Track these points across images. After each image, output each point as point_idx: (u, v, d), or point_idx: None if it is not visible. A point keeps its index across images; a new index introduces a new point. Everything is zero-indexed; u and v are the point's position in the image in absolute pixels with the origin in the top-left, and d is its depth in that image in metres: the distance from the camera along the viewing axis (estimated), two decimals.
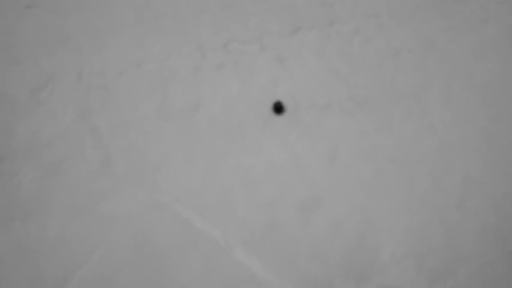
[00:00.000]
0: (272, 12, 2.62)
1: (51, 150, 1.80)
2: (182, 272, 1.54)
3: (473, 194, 1.77)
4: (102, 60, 2.20)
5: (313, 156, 1.86)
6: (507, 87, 2.26)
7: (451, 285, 1.56)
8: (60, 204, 1.65)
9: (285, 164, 1.83)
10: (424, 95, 2.18)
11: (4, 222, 1.61)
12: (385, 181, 1.79)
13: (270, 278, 1.54)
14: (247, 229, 1.64)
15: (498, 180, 1.83)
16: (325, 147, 1.89)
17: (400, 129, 1.99)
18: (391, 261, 1.61)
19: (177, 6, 2.58)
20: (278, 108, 2.03)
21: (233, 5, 2.64)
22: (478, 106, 2.14)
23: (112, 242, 1.59)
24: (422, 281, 1.57)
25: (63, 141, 1.83)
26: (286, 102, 2.07)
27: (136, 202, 1.67)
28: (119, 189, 1.69)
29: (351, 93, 2.17)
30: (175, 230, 1.62)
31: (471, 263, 1.60)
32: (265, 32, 2.47)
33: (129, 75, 2.14)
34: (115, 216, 1.64)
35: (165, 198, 1.67)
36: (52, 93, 2.02)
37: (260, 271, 1.55)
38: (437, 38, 2.53)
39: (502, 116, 2.10)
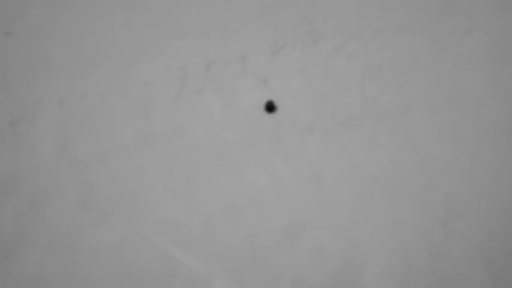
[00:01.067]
0: (255, 31, 2.61)
1: (31, 184, 1.78)
2: None
3: (458, 214, 1.76)
4: (83, 87, 2.19)
5: (297, 180, 1.85)
6: (492, 101, 2.25)
7: None
8: (40, 240, 1.63)
9: (268, 189, 1.81)
10: (408, 113, 2.17)
11: None
12: (368, 203, 1.78)
13: None
14: (230, 259, 1.62)
15: (483, 199, 1.81)
16: (308, 171, 1.88)
17: (383, 149, 1.98)
18: (374, 285, 1.59)
19: (159, 29, 2.58)
20: (270, 108, 2.10)
21: (216, 25, 2.63)
22: (463, 122, 2.13)
23: (92, 276, 1.57)
24: None
25: (43, 174, 1.81)
26: (269, 125, 2.06)
27: (117, 235, 1.65)
28: (99, 222, 1.67)
29: (334, 112, 2.16)
30: (157, 263, 1.60)
31: (457, 286, 1.58)
32: (248, 52, 2.46)
33: (110, 101, 2.13)
34: (95, 250, 1.61)
35: (146, 230, 1.65)
36: (32, 124, 2.00)
37: None
38: (421, 52, 2.53)
39: (487, 132, 2.10)
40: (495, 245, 1.68)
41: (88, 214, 1.69)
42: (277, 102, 2.17)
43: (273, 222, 1.72)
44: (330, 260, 1.63)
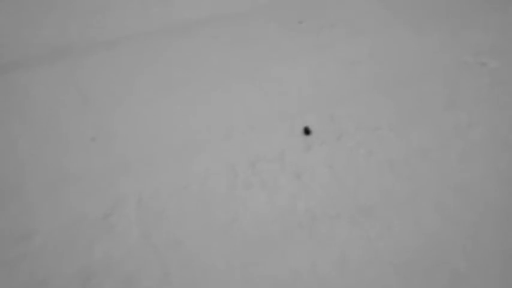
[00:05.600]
0: (290, 130, 3.18)
1: (123, 268, 2.32)
2: None
3: None
4: (155, 185, 2.77)
5: (327, 263, 2.33)
6: (491, 190, 2.70)
7: None
8: None
9: (304, 272, 2.30)
10: (418, 201, 2.64)
11: None
12: (386, 283, 2.24)
13: None
14: None
15: (483, 275, 2.24)
16: (336, 255, 2.36)
17: (397, 234, 2.45)
18: None
19: (209, 130, 3.18)
20: (307, 131, 3.00)
21: (255, 124, 3.21)
22: (464, 209, 2.59)
23: None
24: None
25: (131, 259, 2.36)
26: (304, 215, 2.57)
27: None
28: None
29: (356, 202, 2.66)
30: None
31: None
32: (285, 150, 3.02)
33: (178, 197, 2.69)
34: None
35: None
36: (120, 217, 2.57)
37: None
38: (429, 146, 3.03)
39: (485, 217, 2.54)
40: None
41: None
42: (309, 195, 2.69)
43: None
44: None
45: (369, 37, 4.12)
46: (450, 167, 2.87)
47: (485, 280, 2.23)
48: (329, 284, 2.24)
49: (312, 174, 2.84)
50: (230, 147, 3.04)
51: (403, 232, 2.47)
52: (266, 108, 3.40)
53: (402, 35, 4.19)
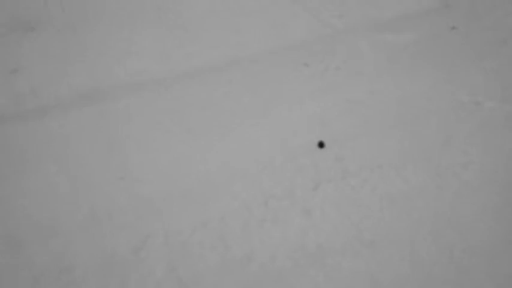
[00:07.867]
0: (298, 169, 3.49)
1: None
2: None
3: None
4: (179, 222, 3.08)
5: None
6: (484, 226, 2.98)
7: None
8: None
9: None
10: (415, 237, 2.93)
11: None
12: None
13: None
14: None
15: None
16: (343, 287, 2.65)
17: (397, 269, 2.73)
18: None
19: (225, 172, 3.50)
20: (321, 145, 3.51)
21: (268, 166, 3.53)
22: (458, 244, 2.87)
23: None
24: None
25: None
26: (314, 250, 2.86)
27: None
28: None
29: (360, 237, 2.95)
30: None
31: None
32: (294, 187, 3.33)
33: (199, 233, 3.00)
34: None
35: None
36: (149, 252, 2.88)
37: None
38: (426, 184, 3.32)
39: (477, 252, 2.81)
40: None
41: None
42: (318, 230, 2.99)
43: None
44: None
45: (370, 80, 4.45)
46: (446, 204, 3.16)
47: None
48: None
49: (320, 211, 3.14)
50: (244, 187, 3.35)
51: (401, 266, 2.76)
52: (275, 149, 3.71)
53: (400, 77, 4.51)
